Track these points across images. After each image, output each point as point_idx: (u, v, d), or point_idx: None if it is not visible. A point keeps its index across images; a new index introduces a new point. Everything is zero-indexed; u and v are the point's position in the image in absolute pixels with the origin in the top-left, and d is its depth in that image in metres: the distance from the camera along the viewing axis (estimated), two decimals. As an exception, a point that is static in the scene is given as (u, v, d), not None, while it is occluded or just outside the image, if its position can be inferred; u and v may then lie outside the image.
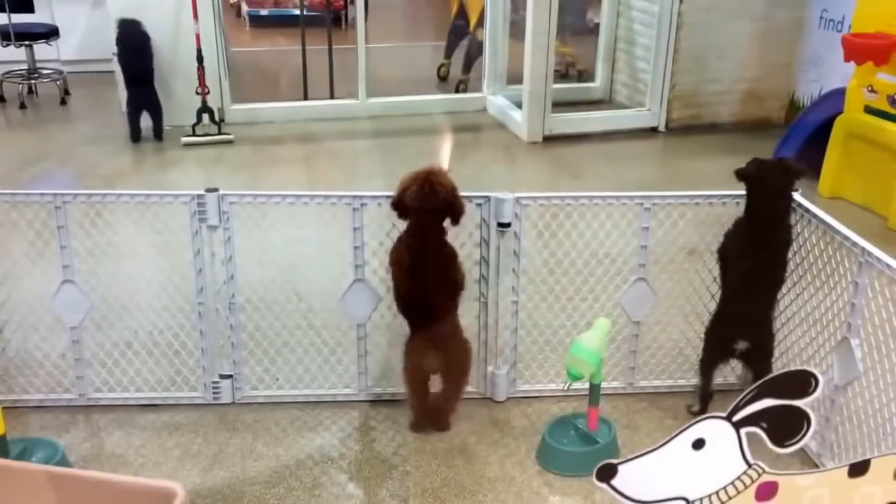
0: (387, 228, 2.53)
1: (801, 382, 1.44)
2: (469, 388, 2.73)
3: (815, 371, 1.45)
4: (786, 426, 1.44)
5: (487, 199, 2.57)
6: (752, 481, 1.46)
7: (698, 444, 1.44)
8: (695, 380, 2.74)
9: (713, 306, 2.66)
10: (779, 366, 2.60)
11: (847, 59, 4.39)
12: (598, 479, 1.44)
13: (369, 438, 2.56)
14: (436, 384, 2.57)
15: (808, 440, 1.47)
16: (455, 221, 2.44)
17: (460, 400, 2.59)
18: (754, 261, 2.50)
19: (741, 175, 2.51)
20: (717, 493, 1.45)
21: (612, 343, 2.68)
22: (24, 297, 2.71)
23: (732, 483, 1.45)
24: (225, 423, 2.62)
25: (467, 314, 2.69)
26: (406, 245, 2.43)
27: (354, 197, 2.55)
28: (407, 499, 2.31)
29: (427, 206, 2.36)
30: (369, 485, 2.36)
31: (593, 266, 2.74)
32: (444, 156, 5.29)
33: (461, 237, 2.59)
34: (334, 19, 8.00)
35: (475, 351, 2.71)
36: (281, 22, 8.92)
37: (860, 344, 2.26)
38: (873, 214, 4.33)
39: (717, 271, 2.63)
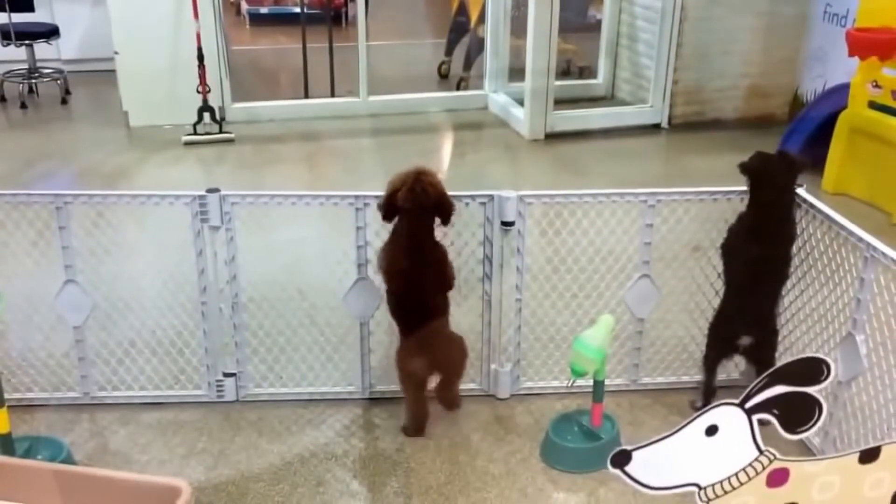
0: (389, 227, 2.52)
1: (813, 369, 1.45)
2: (473, 385, 2.74)
3: (827, 358, 1.45)
4: (797, 413, 1.45)
5: (491, 197, 2.56)
6: (764, 468, 1.46)
7: (711, 430, 1.44)
8: (698, 376, 2.74)
9: (717, 302, 2.65)
10: (783, 362, 2.60)
11: (851, 54, 4.37)
12: (612, 466, 1.45)
13: (373, 436, 2.56)
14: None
15: (819, 427, 1.47)
16: (445, 221, 2.43)
17: (460, 383, 2.58)
18: (758, 256, 2.49)
19: (745, 169, 2.50)
20: (728, 479, 1.46)
21: (615, 340, 2.67)
22: (27, 297, 2.71)
23: (744, 469, 1.46)
24: (229, 421, 2.62)
25: (471, 312, 2.69)
26: (401, 247, 2.42)
27: (357, 197, 2.55)
28: (411, 496, 2.31)
29: (419, 206, 2.35)
30: (373, 482, 2.36)
31: (597, 263, 2.73)
32: (444, 154, 5.29)
33: (464, 235, 2.58)
34: (335, 17, 8.00)
35: (479, 349, 2.71)
36: (281, 20, 8.92)
37: (865, 340, 2.25)
38: (878, 210, 4.32)
39: (720, 267, 2.63)
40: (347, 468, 2.41)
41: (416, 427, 2.54)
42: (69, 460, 2.35)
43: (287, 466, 2.42)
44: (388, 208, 2.40)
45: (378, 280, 2.58)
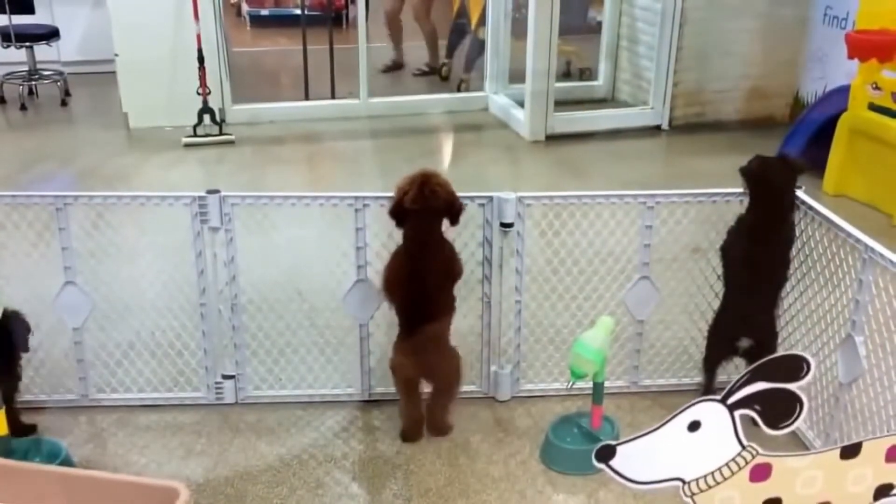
0: (389, 229, 2.52)
1: (794, 366, 1.47)
2: (472, 388, 2.73)
3: (807, 355, 1.47)
4: (779, 409, 1.48)
5: (490, 199, 2.56)
6: (747, 463, 1.49)
7: (694, 426, 1.47)
8: (699, 378, 2.74)
9: (717, 304, 2.65)
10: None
11: (851, 56, 4.38)
12: (597, 460, 1.47)
13: (372, 438, 2.56)
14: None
15: (800, 423, 1.50)
16: (454, 221, 2.42)
17: (450, 407, 2.56)
18: (757, 258, 2.49)
19: (745, 172, 2.50)
20: (712, 473, 1.48)
21: (615, 342, 2.67)
22: (26, 299, 2.71)
23: (727, 464, 1.48)
24: (228, 424, 2.62)
25: (470, 314, 2.69)
26: (406, 250, 2.41)
27: (357, 198, 2.54)
28: (410, 498, 2.30)
29: (428, 207, 2.35)
30: (373, 484, 2.35)
31: (597, 265, 2.73)
32: (444, 156, 5.29)
33: (464, 237, 2.58)
34: (335, 19, 7.99)
35: (478, 351, 2.70)
36: (282, 22, 8.91)
37: (864, 341, 2.25)
38: (878, 211, 4.32)
39: (720, 269, 2.62)
40: (346, 470, 2.41)
41: (410, 430, 2.52)
42: (67, 462, 2.35)
43: (286, 468, 2.41)
44: (398, 212, 2.39)
45: (377, 281, 2.58)
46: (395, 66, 7.04)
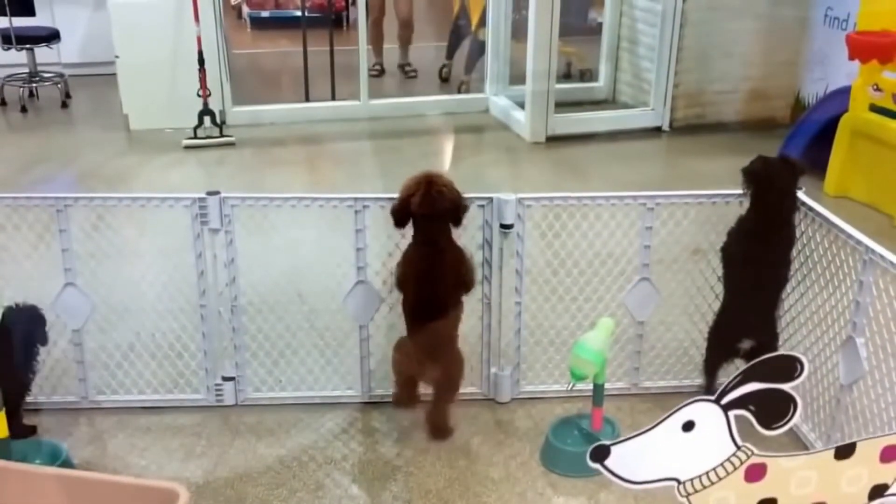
0: (389, 230, 2.52)
1: (787, 367, 1.47)
2: (473, 390, 2.73)
3: (801, 355, 1.47)
4: (773, 409, 1.48)
5: (490, 200, 2.56)
6: (742, 463, 1.49)
7: (688, 426, 1.47)
8: (699, 380, 2.73)
9: (717, 306, 2.65)
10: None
11: (852, 58, 4.38)
12: (591, 460, 1.47)
13: (372, 440, 2.55)
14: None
15: (795, 423, 1.49)
16: (458, 224, 2.42)
17: (449, 409, 2.56)
18: (758, 259, 2.48)
19: (748, 173, 2.50)
20: (706, 473, 1.48)
21: (616, 343, 2.67)
22: (26, 300, 2.71)
23: (722, 464, 1.49)
24: (228, 425, 2.62)
25: (470, 315, 2.68)
26: (419, 254, 2.40)
27: (356, 199, 2.54)
28: (410, 500, 2.30)
29: (435, 211, 2.34)
30: (372, 486, 2.35)
31: (597, 266, 2.73)
32: (445, 157, 5.29)
33: (464, 238, 2.58)
34: (336, 21, 8.00)
35: (479, 352, 2.70)
36: (282, 24, 8.92)
37: (865, 343, 2.25)
38: (879, 212, 4.31)
39: (720, 270, 2.62)
40: (346, 472, 2.41)
41: (401, 395, 2.55)
42: (68, 464, 2.35)
43: (286, 470, 2.41)
44: (401, 214, 2.38)
45: (377, 283, 2.58)
46: (381, 71, 7.08)
